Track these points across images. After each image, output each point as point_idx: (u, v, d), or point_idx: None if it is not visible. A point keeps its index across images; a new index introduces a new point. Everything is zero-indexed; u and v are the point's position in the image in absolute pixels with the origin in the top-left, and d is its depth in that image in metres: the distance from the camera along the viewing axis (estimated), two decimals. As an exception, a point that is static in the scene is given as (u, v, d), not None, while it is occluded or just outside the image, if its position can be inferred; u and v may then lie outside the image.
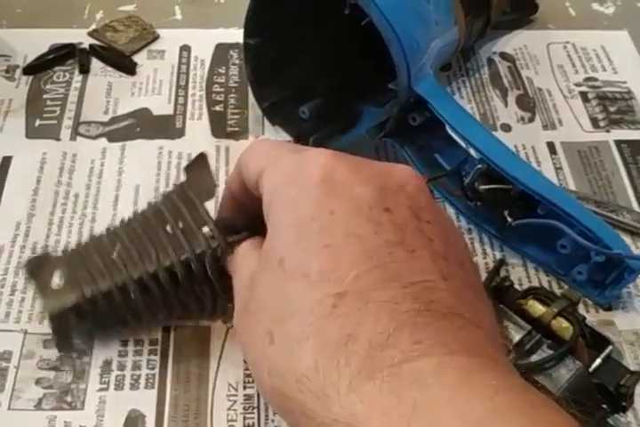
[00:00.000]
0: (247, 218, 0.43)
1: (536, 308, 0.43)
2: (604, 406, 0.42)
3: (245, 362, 0.49)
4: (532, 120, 0.66)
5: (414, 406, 0.26)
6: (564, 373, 0.40)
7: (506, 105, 0.67)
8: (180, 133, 0.63)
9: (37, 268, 0.46)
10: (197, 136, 0.63)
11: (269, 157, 0.38)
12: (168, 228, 0.45)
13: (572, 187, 0.61)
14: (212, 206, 0.49)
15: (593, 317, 0.53)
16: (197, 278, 0.44)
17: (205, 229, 0.44)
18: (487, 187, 0.53)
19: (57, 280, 0.45)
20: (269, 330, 0.31)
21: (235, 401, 0.48)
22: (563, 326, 0.42)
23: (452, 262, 0.32)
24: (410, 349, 0.28)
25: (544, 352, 0.41)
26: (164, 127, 0.64)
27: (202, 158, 0.48)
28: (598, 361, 0.42)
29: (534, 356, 0.41)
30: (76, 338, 0.48)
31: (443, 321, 0.29)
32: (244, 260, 0.40)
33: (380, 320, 0.29)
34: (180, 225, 0.45)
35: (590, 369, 0.42)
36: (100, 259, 0.45)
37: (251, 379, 0.49)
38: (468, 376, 0.27)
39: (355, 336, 0.29)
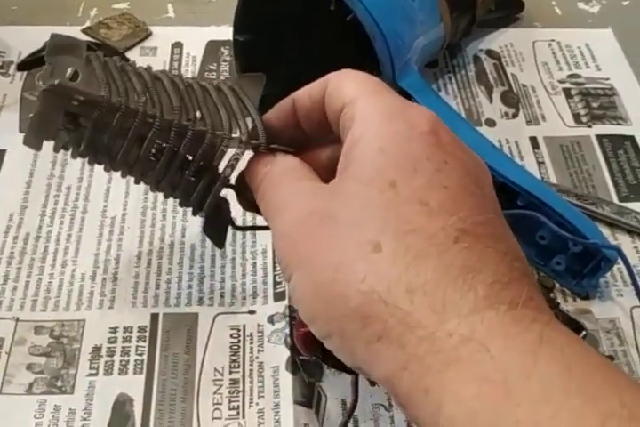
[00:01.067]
0: (289, 140, 0.40)
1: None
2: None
3: (232, 348, 0.51)
4: (515, 116, 0.68)
5: (540, 338, 0.28)
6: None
7: (491, 101, 0.69)
8: (170, 128, 0.64)
9: (61, 51, 0.40)
10: (188, 130, 0.64)
11: (371, 87, 0.36)
12: (213, 99, 0.41)
13: (553, 180, 0.62)
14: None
15: (571, 306, 0.54)
16: (209, 163, 0.40)
17: (251, 124, 0.40)
18: (468, 179, 0.54)
19: (76, 72, 0.39)
20: (375, 240, 0.31)
21: (220, 385, 0.49)
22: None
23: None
24: (528, 298, 0.30)
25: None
26: (155, 122, 0.65)
27: (259, 78, 0.44)
28: (571, 345, 0.43)
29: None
30: (51, 137, 0.40)
31: (539, 292, 0.31)
32: (299, 177, 0.37)
33: (500, 266, 0.30)
34: (226, 107, 0.41)
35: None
36: (125, 80, 0.40)
37: (236, 364, 0.50)
38: (572, 336, 0.30)
39: (479, 269, 0.30)
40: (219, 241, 0.48)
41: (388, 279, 0.30)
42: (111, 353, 0.50)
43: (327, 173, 0.37)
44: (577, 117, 0.68)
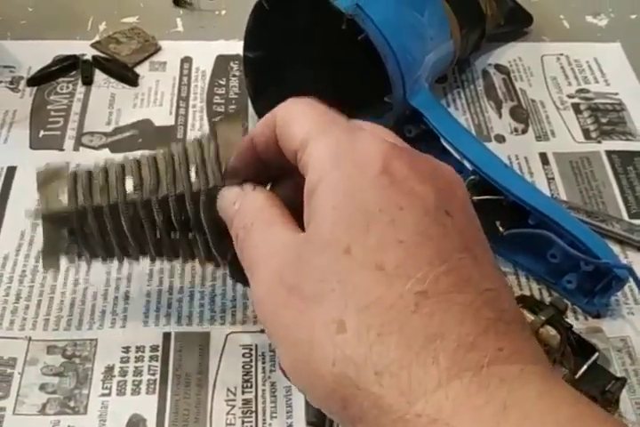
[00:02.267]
0: (257, 174, 0.40)
1: (525, 316, 0.44)
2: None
3: (245, 367, 0.51)
4: (525, 131, 0.68)
5: (504, 406, 0.27)
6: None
7: (500, 116, 0.69)
8: (180, 144, 0.65)
9: (49, 178, 0.47)
10: (198, 147, 0.64)
11: (318, 124, 0.35)
12: (176, 165, 0.45)
13: (563, 197, 0.62)
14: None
15: (582, 324, 0.54)
16: (189, 218, 0.44)
17: (209, 171, 0.44)
18: (480, 198, 0.54)
19: (61, 193, 0.46)
20: (338, 318, 0.30)
21: (233, 406, 0.49)
22: (550, 333, 0.44)
23: (499, 270, 0.34)
24: (494, 354, 0.29)
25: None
26: (165, 138, 0.65)
27: (236, 115, 0.47)
28: (584, 368, 0.44)
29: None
30: (64, 254, 0.48)
31: (515, 331, 0.30)
32: (269, 221, 0.37)
33: (465, 323, 0.29)
34: (189, 165, 0.45)
35: (576, 376, 0.43)
36: (102, 178, 0.46)
37: (249, 384, 0.50)
38: (547, 383, 0.29)
39: (441, 336, 0.29)
40: (247, 282, 0.48)
41: (356, 362, 0.29)
42: (124, 373, 0.50)
43: (298, 204, 0.36)
44: (586, 133, 0.68)
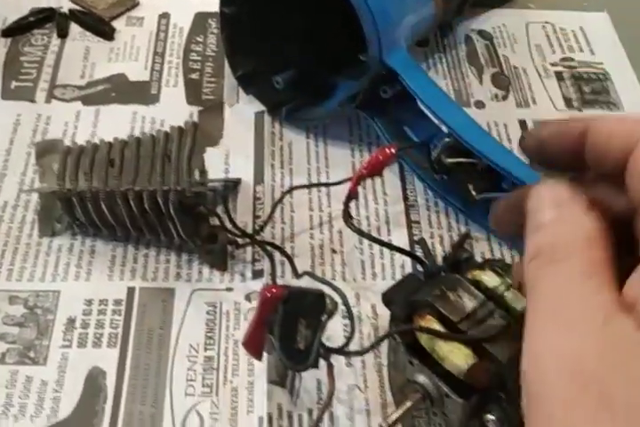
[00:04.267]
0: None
1: (491, 278, 0.43)
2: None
3: (208, 325, 0.50)
4: (505, 98, 0.67)
5: None
6: (514, 343, 0.40)
7: (481, 82, 0.68)
8: (154, 100, 0.64)
9: (46, 150, 0.56)
10: (172, 103, 0.63)
11: None
12: (156, 156, 0.50)
13: (540, 164, 0.61)
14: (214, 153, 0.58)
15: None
16: (162, 212, 0.49)
17: (183, 171, 0.49)
18: (454, 160, 0.53)
19: (53, 169, 0.51)
20: None
21: (195, 362, 0.49)
22: (517, 296, 0.43)
23: None
24: None
25: (496, 321, 0.41)
26: (139, 93, 0.64)
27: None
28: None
29: (486, 325, 0.41)
30: (57, 222, 0.54)
31: None
32: (589, 267, 0.26)
33: None
34: (164, 159, 0.50)
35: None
36: (89, 162, 0.50)
37: (212, 341, 0.49)
38: None
39: None
40: (221, 265, 0.53)
41: None
42: (85, 325, 0.50)
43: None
44: (568, 102, 0.67)
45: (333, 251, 0.55)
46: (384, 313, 0.44)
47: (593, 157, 0.30)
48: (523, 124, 0.65)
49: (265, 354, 0.48)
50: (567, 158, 0.31)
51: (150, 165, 0.50)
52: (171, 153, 0.50)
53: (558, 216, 0.28)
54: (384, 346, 0.50)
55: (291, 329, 0.42)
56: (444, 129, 0.55)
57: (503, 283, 0.43)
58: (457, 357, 0.39)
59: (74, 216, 0.52)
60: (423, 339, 0.41)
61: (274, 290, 0.42)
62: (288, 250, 0.53)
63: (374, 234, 0.55)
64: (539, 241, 0.28)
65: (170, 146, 0.51)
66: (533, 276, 0.27)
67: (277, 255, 0.53)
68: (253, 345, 0.44)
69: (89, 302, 0.51)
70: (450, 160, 0.54)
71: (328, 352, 0.42)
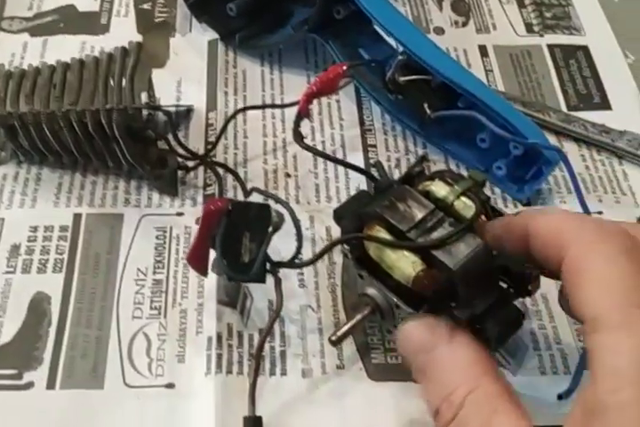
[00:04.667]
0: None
1: (440, 188, 0.42)
2: (511, 289, 0.42)
3: (157, 249, 0.49)
4: (465, 24, 0.65)
5: None
6: (464, 248, 0.39)
7: (440, 9, 0.66)
8: (104, 30, 0.62)
9: None
10: (122, 32, 0.62)
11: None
12: (99, 77, 0.49)
13: (501, 88, 0.60)
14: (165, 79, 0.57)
15: (512, 211, 0.52)
16: (107, 135, 0.48)
17: (125, 88, 0.48)
18: (407, 78, 0.52)
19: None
20: None
21: (143, 285, 0.48)
22: (466, 204, 0.42)
23: None
24: None
25: (445, 229, 0.40)
26: (88, 23, 0.62)
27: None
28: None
29: (435, 233, 0.40)
30: (1, 150, 0.53)
31: None
32: (491, 404, 0.33)
33: None
34: (108, 78, 0.49)
35: (495, 252, 0.42)
36: (31, 84, 0.49)
37: (161, 265, 0.48)
38: None
39: None
40: (171, 191, 0.52)
41: None
42: (30, 252, 0.49)
43: None
44: (529, 27, 0.65)
45: (287, 175, 0.54)
46: (339, 235, 0.43)
47: (537, 259, 0.35)
48: (483, 49, 0.63)
49: (215, 276, 0.47)
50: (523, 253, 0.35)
51: (93, 86, 0.48)
52: (114, 73, 0.49)
53: (436, 353, 0.35)
54: (338, 267, 0.50)
55: (234, 241, 0.41)
56: (399, 48, 0.54)
57: (452, 192, 0.42)
58: (405, 264, 0.38)
59: (17, 143, 0.51)
60: (372, 249, 0.40)
61: (219, 203, 0.41)
62: (241, 175, 0.52)
63: (329, 157, 0.54)
64: (432, 389, 0.35)
65: (113, 67, 0.49)
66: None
67: (230, 181, 0.52)
68: (198, 260, 0.43)
69: (34, 229, 0.50)
70: (403, 78, 0.52)
71: (275, 266, 0.41)
